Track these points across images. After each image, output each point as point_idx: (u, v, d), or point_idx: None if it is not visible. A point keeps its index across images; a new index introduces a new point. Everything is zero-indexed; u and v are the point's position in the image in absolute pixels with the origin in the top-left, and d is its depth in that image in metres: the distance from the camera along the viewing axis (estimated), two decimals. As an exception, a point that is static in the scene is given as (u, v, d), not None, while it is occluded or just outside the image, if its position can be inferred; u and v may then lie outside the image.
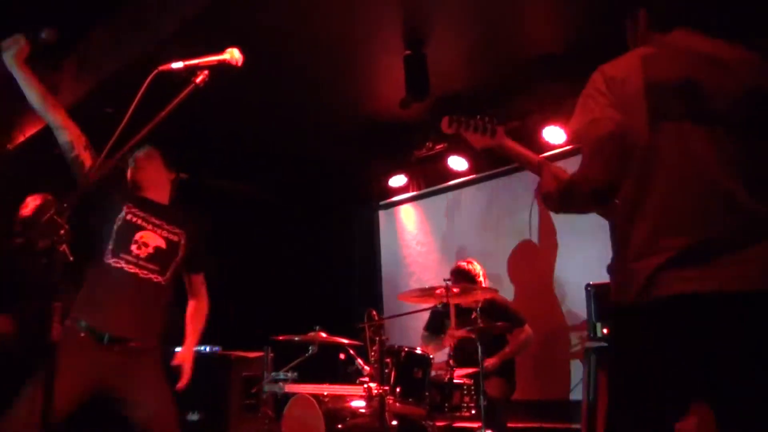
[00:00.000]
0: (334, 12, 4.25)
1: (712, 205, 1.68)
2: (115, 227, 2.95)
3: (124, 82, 4.20)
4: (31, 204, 4.04)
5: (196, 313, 3.45)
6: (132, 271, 2.92)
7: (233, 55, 2.15)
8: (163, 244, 3.03)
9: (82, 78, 4.62)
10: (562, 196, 1.91)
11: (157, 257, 3.00)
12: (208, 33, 3.83)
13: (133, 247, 2.94)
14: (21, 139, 5.34)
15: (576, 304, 5.04)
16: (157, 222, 3.06)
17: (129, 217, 2.99)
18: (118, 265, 2.90)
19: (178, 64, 2.10)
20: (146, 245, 2.98)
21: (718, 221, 1.67)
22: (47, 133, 5.08)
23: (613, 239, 1.87)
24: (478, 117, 2.41)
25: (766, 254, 1.64)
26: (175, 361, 3.30)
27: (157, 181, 3.20)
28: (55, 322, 1.74)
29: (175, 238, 3.10)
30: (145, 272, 2.95)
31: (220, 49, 2.18)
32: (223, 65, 2.16)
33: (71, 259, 1.81)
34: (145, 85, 2.05)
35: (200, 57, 2.14)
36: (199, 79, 2.10)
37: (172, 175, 3.29)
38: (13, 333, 3.68)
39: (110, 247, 2.92)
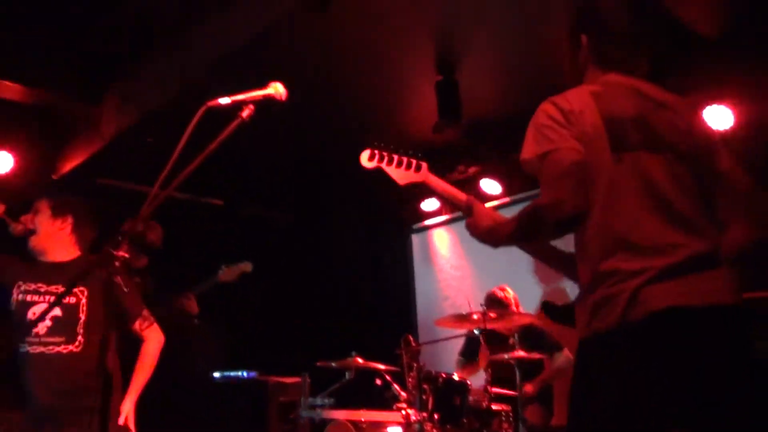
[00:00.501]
0: (368, 40, 4.34)
1: (674, 226, 1.79)
2: (13, 312, 2.87)
3: (166, 114, 4.33)
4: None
5: (139, 361, 3.08)
6: (38, 351, 2.83)
7: (277, 89, 2.20)
8: (59, 312, 2.87)
9: (125, 111, 4.76)
10: (528, 223, 1.91)
11: (58, 328, 2.85)
12: (246, 67, 3.92)
13: (31, 327, 2.84)
14: (65, 169, 5.49)
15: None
16: (51, 289, 2.90)
17: (18, 297, 2.88)
18: (25, 350, 2.83)
19: (225, 100, 2.15)
20: (42, 319, 2.85)
21: (683, 242, 1.77)
22: (91, 163, 5.29)
23: (581, 269, 1.91)
24: (401, 151, 2.37)
25: (727, 273, 1.77)
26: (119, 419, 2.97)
27: (53, 238, 3.02)
28: (111, 350, 1.79)
29: (73, 300, 2.89)
30: (51, 347, 2.82)
31: (257, 84, 2.23)
32: (268, 100, 2.21)
33: (126, 290, 1.86)
34: (195, 120, 2.10)
35: (245, 92, 2.20)
36: (245, 114, 2.15)
37: (68, 220, 3.04)
38: None
39: (17, 334, 2.85)
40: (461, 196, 2.26)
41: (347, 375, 4.49)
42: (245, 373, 5.11)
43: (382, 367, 4.40)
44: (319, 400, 4.56)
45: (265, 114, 2.21)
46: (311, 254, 6.69)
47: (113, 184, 5.74)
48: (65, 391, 2.81)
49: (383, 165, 2.38)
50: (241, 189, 6.44)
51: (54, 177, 5.58)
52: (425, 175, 2.33)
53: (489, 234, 2.07)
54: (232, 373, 5.20)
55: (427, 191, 2.37)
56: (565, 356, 4.70)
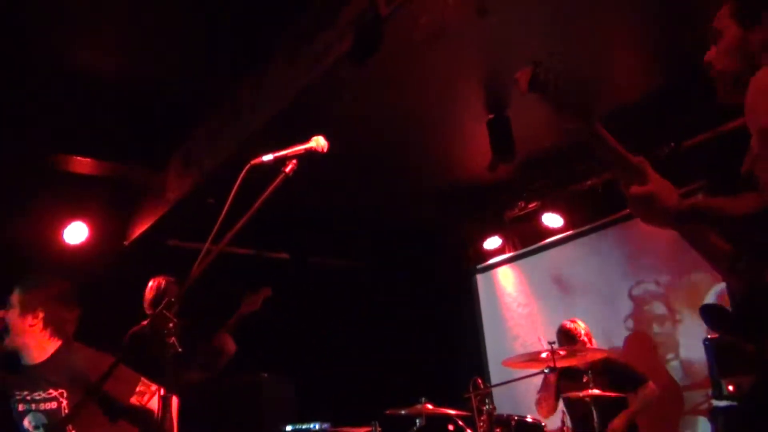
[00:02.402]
0: (418, 86, 4.41)
1: None
2: (20, 424, 2.80)
3: (224, 175, 4.47)
4: (151, 285, 4.29)
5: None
6: None
7: (318, 142, 2.24)
8: (44, 419, 2.77)
9: (186, 174, 4.95)
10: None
11: None
12: (295, 124, 4.03)
13: None
14: (135, 235, 5.72)
15: (689, 358, 4.75)
16: (35, 396, 2.78)
17: (14, 407, 2.80)
18: None
19: (268, 157, 2.21)
20: (37, 428, 2.76)
21: None
22: (157, 227, 5.50)
23: None
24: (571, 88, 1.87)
25: None
26: None
27: (25, 337, 2.81)
28: (170, 413, 1.80)
29: (54, 405, 2.75)
30: None
31: (308, 137, 2.29)
32: (310, 153, 2.25)
33: (180, 350, 1.89)
34: (240, 179, 2.17)
35: (288, 147, 2.26)
36: (288, 169, 2.20)
37: (39, 315, 2.81)
38: None
39: None
40: (630, 156, 1.82)
41: (418, 422, 4.41)
42: (317, 425, 5.09)
43: (452, 412, 4.31)
44: (391, 450, 4.48)
45: (327, 167, 2.24)
46: (377, 301, 6.69)
47: (183, 246, 5.94)
48: None
49: (547, 95, 1.85)
50: (307, 241, 6.54)
51: (125, 243, 5.81)
52: (596, 123, 1.83)
53: (694, 211, 1.67)
54: (304, 426, 5.19)
55: (590, 141, 1.83)
56: (650, 389, 4.47)
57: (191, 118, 4.77)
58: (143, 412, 2.82)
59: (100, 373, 2.62)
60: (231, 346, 4.28)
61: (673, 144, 4.77)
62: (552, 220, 5.88)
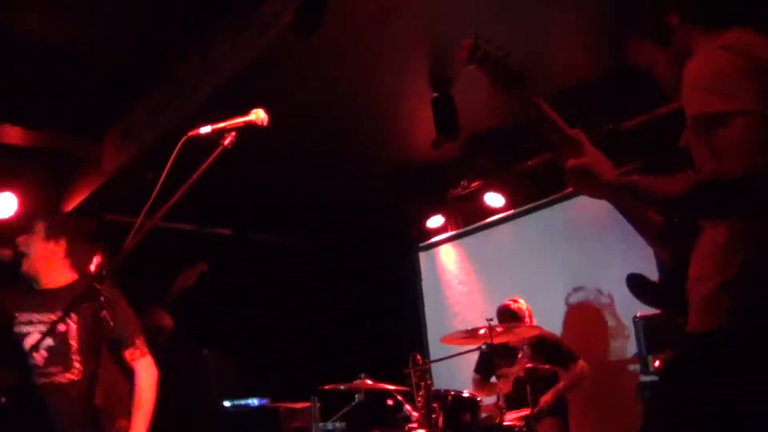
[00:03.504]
0: (361, 60, 4.36)
1: None
2: (18, 344, 2.82)
3: (163, 148, 4.36)
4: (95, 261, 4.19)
5: (135, 399, 2.89)
6: (42, 382, 2.79)
7: (258, 115, 2.21)
8: (51, 342, 2.80)
9: (124, 147, 4.80)
10: (710, 192, 1.52)
11: (54, 357, 2.79)
12: (239, 98, 3.95)
13: (31, 359, 2.79)
14: (69, 208, 5.53)
15: (621, 336, 4.93)
16: (43, 317, 2.82)
17: (16, 329, 2.82)
18: (33, 383, 2.81)
19: (206, 129, 2.17)
20: (37, 349, 2.79)
21: None
22: (93, 200, 5.33)
23: (741, 255, 1.56)
24: (509, 60, 1.94)
25: None
26: None
27: (46, 262, 2.90)
28: (113, 378, 1.77)
29: (63, 328, 2.79)
30: (52, 378, 2.78)
31: (251, 108, 2.24)
32: (250, 126, 2.22)
33: (112, 324, 1.85)
34: (176, 151, 2.13)
35: (227, 120, 2.21)
36: (227, 142, 2.16)
37: (62, 243, 2.91)
38: None
39: (25, 367, 2.82)
40: (568, 128, 1.89)
41: (357, 397, 4.45)
42: (256, 401, 5.09)
43: (391, 387, 4.37)
44: (330, 425, 4.51)
45: (269, 142, 2.21)
46: (317, 277, 6.69)
47: (119, 219, 5.78)
48: (79, 420, 2.74)
49: (485, 66, 1.95)
50: (245, 217, 6.48)
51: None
52: (530, 92, 1.91)
53: (628, 188, 1.69)
54: (243, 401, 5.18)
55: (528, 112, 1.90)
56: (581, 367, 4.63)
57: (131, 89, 4.61)
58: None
59: (116, 302, 2.72)
60: (167, 321, 4.22)
61: (611, 125, 4.88)
62: (494, 199, 5.96)
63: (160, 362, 5.01)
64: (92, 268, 4.16)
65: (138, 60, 4.32)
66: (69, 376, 2.80)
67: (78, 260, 2.99)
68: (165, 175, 2.11)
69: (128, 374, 2.93)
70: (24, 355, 2.82)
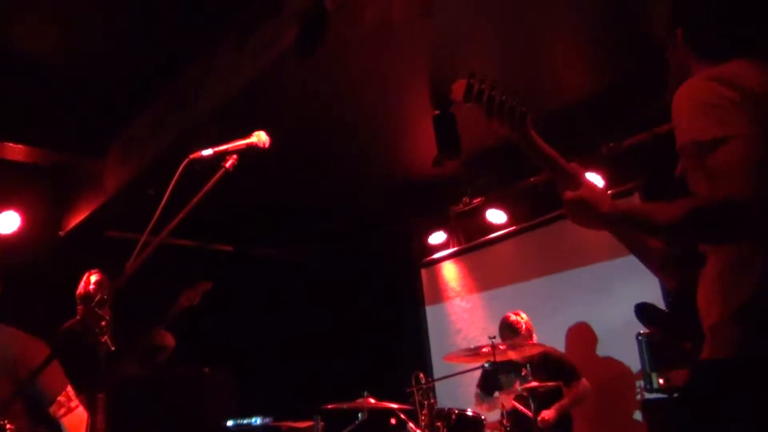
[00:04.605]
0: (362, 78, 4.38)
1: None
2: None
3: (164, 166, 4.37)
4: (84, 280, 4.18)
5: None
6: None
7: (260, 138, 2.20)
8: None
9: (125, 164, 4.82)
10: (705, 217, 1.50)
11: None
12: (242, 115, 3.98)
13: None
14: (71, 225, 5.54)
15: (625, 353, 4.90)
16: None
17: None
18: None
19: (207, 152, 2.16)
20: None
21: None
22: (95, 218, 5.34)
23: (746, 282, 1.55)
24: (504, 97, 1.92)
25: None
26: None
27: None
28: (99, 413, 1.76)
29: None
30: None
31: (254, 129, 2.22)
32: (252, 148, 2.21)
33: (113, 349, 1.84)
34: (178, 173, 2.12)
35: (229, 142, 2.21)
36: (228, 164, 2.16)
37: None
38: None
39: None
40: (563, 162, 1.91)
41: (360, 416, 4.42)
42: (258, 420, 5.06)
43: (395, 406, 4.34)
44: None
45: (272, 159, 2.20)
46: (321, 294, 6.68)
47: (121, 237, 5.79)
48: None
49: (481, 107, 1.94)
50: (249, 234, 6.48)
51: (61, 234, 5.63)
52: (528, 130, 1.92)
53: (624, 217, 1.69)
54: (245, 421, 5.15)
55: (525, 148, 1.92)
56: (583, 385, 4.61)
57: (133, 107, 4.64)
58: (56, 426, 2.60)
59: (29, 358, 2.50)
60: (170, 340, 4.20)
61: (612, 144, 4.89)
62: (496, 215, 5.96)
63: (162, 380, 5.02)
64: (91, 288, 4.16)
65: (139, 77, 4.34)
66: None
67: None
68: (168, 196, 2.10)
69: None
70: None
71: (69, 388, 2.61)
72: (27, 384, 2.49)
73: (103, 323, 1.82)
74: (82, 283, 4.23)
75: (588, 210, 1.74)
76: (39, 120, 4.72)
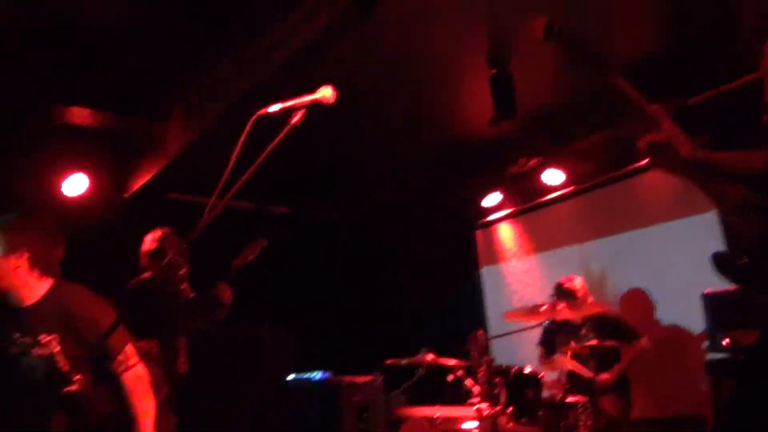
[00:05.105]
0: (420, 41, 4.34)
1: None
2: (17, 365, 2.70)
3: (226, 127, 4.44)
4: (151, 237, 4.31)
5: (134, 412, 2.72)
6: (53, 398, 2.73)
7: (326, 93, 2.20)
8: (37, 364, 2.68)
9: (187, 126, 4.91)
10: None
11: (51, 376, 2.69)
12: (300, 75, 3.99)
13: (32, 378, 2.70)
14: (135, 187, 5.70)
15: (687, 313, 4.81)
16: (27, 339, 2.66)
17: (11, 349, 2.69)
18: (44, 398, 2.75)
19: (275, 108, 2.19)
20: (33, 371, 2.68)
21: None
22: (158, 180, 5.49)
23: None
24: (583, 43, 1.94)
25: None
26: None
27: (10, 279, 2.65)
28: (182, 355, 1.83)
29: (46, 351, 2.65)
30: (55, 393, 2.70)
31: (310, 89, 2.22)
32: (317, 104, 2.22)
33: (191, 296, 1.92)
34: (247, 130, 2.15)
35: (295, 98, 2.23)
36: (295, 120, 2.17)
37: (23, 255, 2.64)
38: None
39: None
40: (646, 103, 1.95)
41: (419, 371, 4.50)
42: (318, 375, 5.19)
43: (453, 362, 4.40)
44: (392, 398, 4.58)
45: (327, 119, 2.22)
46: (380, 256, 6.75)
47: (183, 199, 5.94)
48: (94, 419, 2.76)
49: (563, 42, 1.96)
50: (305, 196, 6.54)
51: (125, 196, 5.80)
52: (611, 67, 1.96)
53: (706, 162, 1.70)
54: (305, 376, 5.29)
55: (612, 84, 1.93)
56: (642, 344, 4.57)
57: (194, 69, 4.69)
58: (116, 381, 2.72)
59: (91, 315, 2.65)
60: (227, 295, 4.28)
61: (679, 101, 4.74)
62: (553, 176, 5.88)
63: (222, 337, 5.17)
64: (160, 242, 4.27)
65: (200, 38, 4.38)
66: (71, 389, 2.71)
67: (47, 265, 2.71)
68: (236, 154, 2.14)
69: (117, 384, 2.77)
70: (25, 374, 2.73)
71: (129, 346, 2.71)
72: (94, 340, 2.62)
73: (183, 271, 1.89)
74: (149, 240, 4.34)
75: (669, 152, 1.76)
76: (103, 84, 4.83)
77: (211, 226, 2.27)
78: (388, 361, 4.49)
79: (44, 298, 2.69)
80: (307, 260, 6.47)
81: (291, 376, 5.33)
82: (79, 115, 5.12)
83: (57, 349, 2.63)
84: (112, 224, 5.41)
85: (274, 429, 5.16)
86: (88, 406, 2.74)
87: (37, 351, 2.64)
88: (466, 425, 4.21)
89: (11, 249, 2.63)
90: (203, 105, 4.71)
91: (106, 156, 5.51)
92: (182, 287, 1.89)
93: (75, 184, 5.37)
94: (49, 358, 2.65)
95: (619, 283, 5.51)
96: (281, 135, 2.18)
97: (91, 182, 5.41)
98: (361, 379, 5.04)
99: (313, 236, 6.61)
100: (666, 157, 1.74)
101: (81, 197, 5.41)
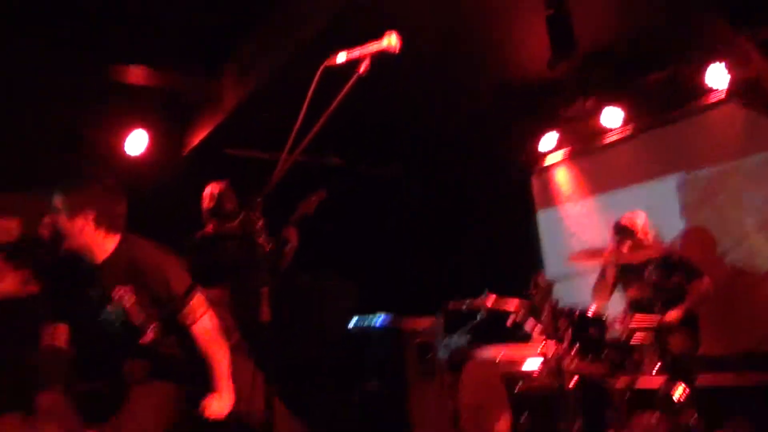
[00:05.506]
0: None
1: None
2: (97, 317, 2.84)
3: (282, 80, 4.46)
4: (210, 193, 4.42)
5: (206, 358, 2.83)
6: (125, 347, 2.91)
7: (391, 41, 2.17)
8: (114, 316, 2.82)
9: (243, 81, 4.95)
10: None
11: (127, 326, 2.82)
12: (354, 25, 3.94)
13: (110, 329, 2.84)
14: (193, 144, 5.81)
15: (755, 251, 4.72)
16: (103, 294, 2.80)
17: (90, 303, 2.83)
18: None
19: (341, 58, 2.18)
20: (110, 323, 2.82)
21: None
22: (215, 136, 5.57)
23: None
24: None
25: None
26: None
27: (79, 240, 2.76)
28: (264, 305, 1.90)
29: (122, 304, 2.78)
30: (133, 342, 2.85)
31: (364, 40, 2.19)
32: (382, 52, 2.20)
33: (268, 248, 1.98)
34: (315, 81, 2.16)
35: (360, 46, 2.21)
36: (362, 69, 2.17)
37: (89, 216, 2.72)
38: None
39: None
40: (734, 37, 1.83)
41: (480, 314, 4.55)
42: (379, 319, 5.28)
43: (513, 305, 4.43)
44: (453, 340, 4.66)
45: (379, 65, 2.20)
46: (433, 202, 6.77)
47: (241, 154, 6.02)
48: (170, 365, 2.92)
49: None
50: (362, 147, 6.52)
51: (183, 152, 5.92)
52: None
53: None
54: (366, 320, 5.40)
55: None
56: (706, 283, 4.51)
57: (248, 23, 4.69)
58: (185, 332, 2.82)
59: (160, 266, 2.77)
60: (295, 238, 4.36)
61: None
62: (611, 116, 5.73)
63: (284, 285, 5.30)
64: (218, 199, 4.36)
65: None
66: (147, 338, 2.85)
67: (112, 222, 2.79)
68: (306, 107, 2.15)
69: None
70: (103, 328, 2.88)
71: (196, 297, 2.80)
72: (162, 293, 2.74)
73: (260, 224, 1.95)
74: (207, 196, 4.44)
75: (760, 88, 1.67)
76: (158, 43, 4.89)
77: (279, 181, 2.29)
78: (450, 306, 4.54)
79: (114, 254, 2.79)
80: (366, 210, 6.52)
81: (353, 322, 5.45)
82: (137, 74, 5.20)
83: (130, 302, 2.75)
84: (171, 181, 5.53)
85: (338, 375, 5.30)
86: (163, 354, 2.88)
87: (112, 305, 2.78)
88: (527, 366, 4.27)
89: (76, 211, 2.72)
90: (258, 59, 4.72)
91: (164, 114, 5.62)
92: (260, 240, 1.94)
93: (136, 143, 5.49)
94: (124, 311, 2.77)
95: (681, 224, 5.41)
96: (348, 85, 2.18)
97: (151, 140, 5.52)
98: (423, 322, 5.12)
99: (371, 187, 6.65)
100: (757, 93, 1.68)
101: (142, 156, 5.54)
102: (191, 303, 2.78)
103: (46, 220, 2.83)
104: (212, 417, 2.70)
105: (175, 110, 5.70)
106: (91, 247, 2.77)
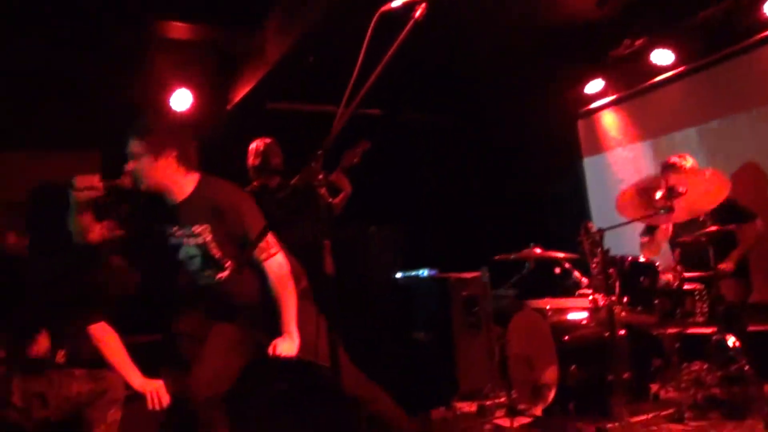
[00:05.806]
0: None
1: None
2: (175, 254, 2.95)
3: (325, 29, 4.41)
4: (255, 149, 4.43)
5: (277, 298, 2.92)
6: (204, 283, 3.00)
7: (445, -17, 2.11)
8: (193, 252, 2.92)
9: (285, 33, 4.89)
10: None
11: (205, 264, 2.94)
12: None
13: (188, 266, 2.97)
14: (237, 98, 5.80)
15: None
16: (182, 231, 2.90)
17: (170, 241, 2.94)
18: (197, 283, 3.03)
19: (397, 2, 2.13)
20: (190, 259, 2.94)
21: None
22: (259, 90, 5.55)
23: None
24: None
25: None
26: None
27: (164, 180, 2.84)
28: (327, 257, 1.92)
29: (200, 240, 2.88)
30: (209, 280, 2.97)
31: None
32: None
33: (330, 200, 1.99)
34: (371, 28, 2.11)
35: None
36: (418, 14, 2.12)
37: (172, 154, 2.79)
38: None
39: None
40: None
41: (527, 266, 4.54)
42: (426, 272, 5.31)
43: (561, 255, 4.40)
44: (500, 293, 4.66)
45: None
46: (481, 151, 6.70)
47: (283, 108, 6.00)
48: (244, 305, 3.03)
49: None
50: (405, 97, 6.42)
51: (228, 108, 5.92)
52: None
53: None
54: (413, 273, 5.43)
55: None
56: (759, 226, 4.40)
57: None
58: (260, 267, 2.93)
59: (235, 204, 2.87)
60: (346, 184, 4.34)
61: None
62: (661, 56, 5.54)
63: (329, 240, 5.34)
64: (265, 154, 4.37)
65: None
66: (222, 275, 2.95)
67: (190, 160, 2.87)
68: (362, 56, 2.12)
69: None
70: (185, 263, 2.99)
71: (270, 236, 2.90)
72: (239, 229, 2.83)
73: (321, 176, 1.95)
74: (253, 152, 4.43)
75: None
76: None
77: (305, 131, 2.22)
78: (496, 257, 4.53)
79: (194, 192, 2.88)
80: (411, 161, 6.50)
81: (399, 274, 5.49)
82: (177, 29, 5.19)
83: (209, 237, 2.86)
84: (216, 137, 5.56)
85: (383, 326, 5.37)
86: (237, 291, 2.98)
87: (193, 240, 2.88)
88: (576, 316, 4.26)
89: (159, 151, 2.78)
90: (300, 9, 4.65)
91: (207, 69, 5.60)
92: (322, 192, 1.95)
93: (181, 99, 5.51)
94: (203, 247, 2.88)
95: (734, 167, 5.26)
96: (405, 31, 2.14)
97: (195, 96, 5.53)
98: (469, 274, 5.13)
99: (416, 136, 6.60)
100: None
101: (187, 112, 5.56)
102: (266, 240, 2.87)
103: (128, 167, 2.80)
104: (281, 356, 2.78)
105: (219, 65, 5.68)
106: (172, 186, 2.86)
